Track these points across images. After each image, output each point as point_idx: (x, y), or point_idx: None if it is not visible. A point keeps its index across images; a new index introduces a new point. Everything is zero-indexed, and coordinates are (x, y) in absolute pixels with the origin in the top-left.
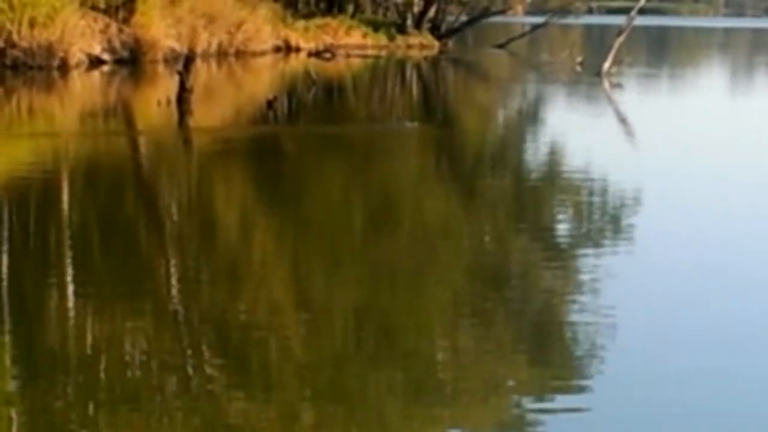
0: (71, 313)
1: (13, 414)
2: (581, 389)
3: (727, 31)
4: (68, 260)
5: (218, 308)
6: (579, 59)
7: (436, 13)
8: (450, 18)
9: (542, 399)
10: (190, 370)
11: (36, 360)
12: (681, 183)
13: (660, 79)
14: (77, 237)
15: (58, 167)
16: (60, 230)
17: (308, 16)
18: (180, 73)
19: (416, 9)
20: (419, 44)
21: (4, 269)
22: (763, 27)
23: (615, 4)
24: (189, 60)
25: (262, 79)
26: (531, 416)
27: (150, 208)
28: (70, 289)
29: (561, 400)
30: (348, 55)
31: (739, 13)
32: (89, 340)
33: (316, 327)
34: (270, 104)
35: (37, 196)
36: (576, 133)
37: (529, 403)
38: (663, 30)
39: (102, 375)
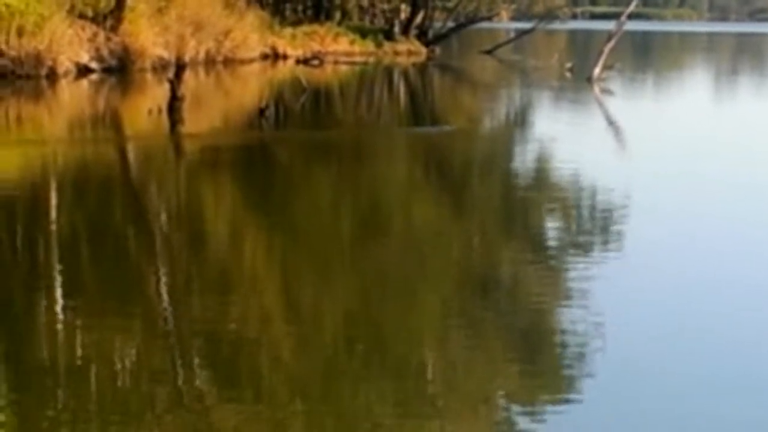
0: (60, 325)
1: (2, 428)
2: (572, 400)
3: (711, 35)
4: (57, 270)
5: (209, 319)
6: (568, 65)
7: (423, 19)
8: (437, 24)
9: (533, 409)
10: (181, 382)
11: (25, 373)
12: (673, 189)
13: (649, 84)
14: (66, 246)
15: (46, 175)
16: (48, 239)
17: (295, 23)
18: (171, 82)
19: (403, 15)
20: (407, 51)
21: None
22: (746, 31)
23: (599, 10)
24: (180, 68)
25: (251, 87)
26: (522, 426)
27: (142, 218)
28: (59, 300)
29: (552, 411)
30: (336, 62)
31: (723, 18)
32: (79, 352)
33: (306, 338)
34: (262, 112)
35: (24, 204)
36: (569, 139)
37: (519, 414)
38: (648, 35)
39: (92, 387)
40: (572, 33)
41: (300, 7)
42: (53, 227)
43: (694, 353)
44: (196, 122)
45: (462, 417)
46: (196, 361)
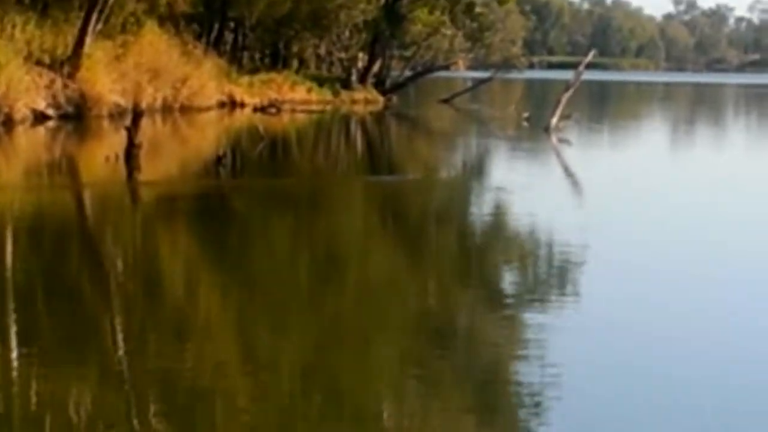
0: (13, 373)
1: None
2: None
3: (668, 85)
4: (11, 318)
5: (165, 367)
6: (526, 114)
7: (381, 68)
8: (394, 73)
9: None
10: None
11: None
12: (629, 239)
13: (606, 134)
14: (20, 294)
15: (2, 222)
16: (3, 286)
17: (253, 71)
18: (128, 129)
19: (361, 64)
20: (364, 99)
21: None
22: (702, 81)
23: (556, 59)
24: (138, 116)
25: (208, 135)
26: None
27: (98, 265)
28: (13, 348)
29: None
30: (293, 111)
31: (680, 68)
32: (33, 400)
33: (263, 386)
34: (219, 160)
35: None
36: (526, 189)
37: None
38: (605, 85)
39: None
40: (529, 82)
41: (257, 55)
42: (8, 274)
43: (653, 404)
44: (154, 170)
45: None
46: (152, 410)
